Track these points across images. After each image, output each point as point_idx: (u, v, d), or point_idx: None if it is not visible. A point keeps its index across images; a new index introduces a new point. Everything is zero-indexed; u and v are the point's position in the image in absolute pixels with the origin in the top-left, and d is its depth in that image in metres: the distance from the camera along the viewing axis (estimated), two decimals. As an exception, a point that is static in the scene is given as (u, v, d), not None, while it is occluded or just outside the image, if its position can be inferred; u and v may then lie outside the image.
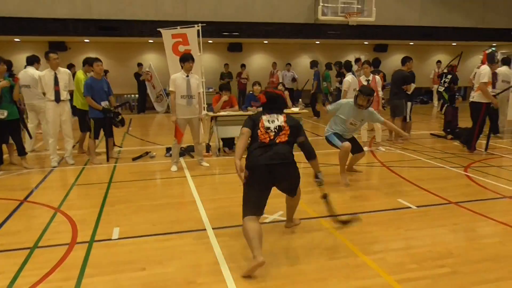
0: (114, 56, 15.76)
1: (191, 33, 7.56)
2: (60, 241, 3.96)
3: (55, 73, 6.77)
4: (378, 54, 17.32)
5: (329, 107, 6.05)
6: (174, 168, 6.70)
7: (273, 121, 3.83)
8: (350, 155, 6.07)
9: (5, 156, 7.12)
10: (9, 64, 8.71)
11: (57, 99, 6.77)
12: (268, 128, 3.77)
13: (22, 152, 6.85)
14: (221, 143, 8.14)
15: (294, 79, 16.02)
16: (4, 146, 7.00)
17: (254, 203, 3.60)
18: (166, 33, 7.64)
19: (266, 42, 17.00)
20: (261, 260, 3.20)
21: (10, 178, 6.35)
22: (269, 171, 3.58)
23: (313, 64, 13.70)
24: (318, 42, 17.42)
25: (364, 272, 3.36)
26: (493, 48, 7.79)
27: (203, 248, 3.81)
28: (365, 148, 8.11)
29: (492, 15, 17.30)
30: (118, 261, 3.57)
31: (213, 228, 4.27)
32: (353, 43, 17.98)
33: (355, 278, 3.26)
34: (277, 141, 3.71)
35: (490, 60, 7.53)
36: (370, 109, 5.83)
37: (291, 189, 3.97)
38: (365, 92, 5.64)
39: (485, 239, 4.02)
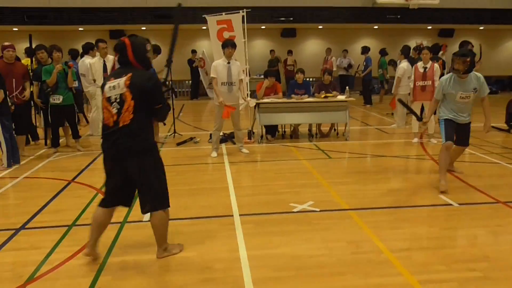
0: (169, 43, 16.16)
1: (236, 19, 7.55)
2: (96, 221, 4.18)
3: (104, 61, 7.11)
4: (443, 40, 16.30)
5: (435, 96, 5.23)
6: (214, 154, 6.81)
7: (114, 87, 3.09)
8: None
9: (62, 139, 7.62)
10: (75, 53, 9.30)
11: (106, 85, 7.10)
12: (109, 99, 3.10)
13: (76, 135, 7.29)
14: (263, 130, 8.13)
15: (350, 66, 15.54)
16: (60, 130, 7.48)
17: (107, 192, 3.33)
18: (211, 19, 7.70)
19: (321, 27, 16.61)
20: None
21: (63, 160, 6.80)
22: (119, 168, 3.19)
23: (364, 50, 13.23)
24: (376, 27, 16.73)
25: (385, 269, 3.22)
26: None
27: (227, 235, 3.85)
28: (415, 140, 7.75)
29: None
30: (144, 242, 3.71)
31: (240, 215, 4.29)
32: (415, 28, 17.02)
33: (374, 276, 3.14)
34: (121, 123, 3.04)
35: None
36: (477, 74, 4.97)
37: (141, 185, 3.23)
38: (459, 53, 4.82)
39: (530, 243, 3.69)
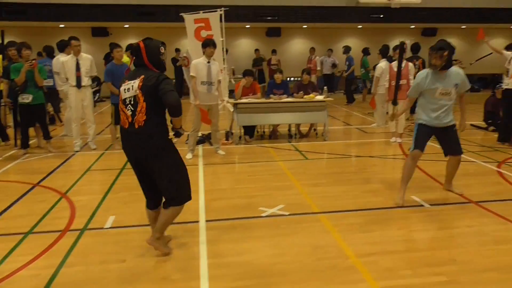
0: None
1: (214, 17, 7.42)
2: (55, 228, 4.02)
3: (77, 59, 6.91)
4: (426, 39, 16.35)
5: (408, 93, 4.77)
6: (189, 155, 6.66)
7: (128, 90, 3.19)
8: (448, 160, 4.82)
9: (34, 140, 7.41)
10: (50, 50, 9.06)
11: (78, 84, 6.93)
12: (125, 101, 3.21)
13: (47, 136, 7.09)
14: (242, 131, 8.01)
15: (334, 65, 15.49)
16: (32, 130, 7.27)
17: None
18: (189, 18, 7.56)
19: (305, 26, 16.52)
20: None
21: (31, 162, 6.60)
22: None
23: (346, 49, 13.20)
24: (360, 26, 16.70)
25: (349, 276, 3.12)
26: None
27: (190, 242, 3.71)
28: (393, 139, 7.69)
29: (556, -6, 15.73)
30: (102, 251, 3.56)
31: (206, 221, 4.16)
32: (398, 27, 17.05)
33: (337, 283, 3.03)
34: (136, 125, 3.14)
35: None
36: (457, 69, 4.53)
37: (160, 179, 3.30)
38: (436, 46, 4.32)
39: (499, 245, 3.61)
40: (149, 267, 3.29)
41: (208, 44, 6.46)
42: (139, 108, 3.13)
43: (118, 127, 7.14)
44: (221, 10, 7.32)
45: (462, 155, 4.74)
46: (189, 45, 7.76)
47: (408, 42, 13.56)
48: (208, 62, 6.48)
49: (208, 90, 6.50)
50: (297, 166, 6.19)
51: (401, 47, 7.16)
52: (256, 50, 15.97)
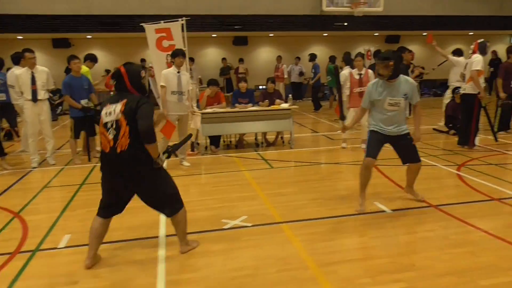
0: (118, 52, 15.71)
1: (175, 27, 7.33)
2: (4, 250, 3.81)
3: (32, 72, 6.66)
4: (390, 46, 16.78)
5: (362, 104, 4.68)
6: (186, 163, 6.69)
7: (110, 113, 3.24)
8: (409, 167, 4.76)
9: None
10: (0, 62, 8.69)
11: (34, 98, 6.67)
12: (106, 124, 3.25)
13: (1, 153, 6.79)
14: (208, 141, 7.92)
15: (301, 73, 15.63)
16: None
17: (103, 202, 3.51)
18: (150, 28, 7.44)
19: (271, 35, 16.64)
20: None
21: (-15, 180, 6.29)
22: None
23: (312, 57, 13.36)
24: (326, 34, 16.94)
25: (309, 287, 3.07)
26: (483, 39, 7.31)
27: (148, 259, 3.59)
28: (363, 145, 7.74)
29: (510, 2, 16.43)
30: (54, 273, 3.39)
31: (166, 236, 4.04)
32: (363, 35, 17.41)
33: (296, 295, 2.98)
34: (118, 149, 3.18)
35: (482, 50, 7.08)
36: (408, 78, 4.44)
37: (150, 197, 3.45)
38: (380, 57, 4.29)
39: (457, 248, 3.65)
40: (103, 287, 3.15)
41: (177, 54, 6.41)
42: (122, 132, 3.15)
43: (78, 141, 7.08)
44: (182, 20, 7.23)
45: (424, 159, 4.78)
46: (151, 56, 7.62)
47: (372, 50, 13.97)
48: (178, 72, 6.43)
49: (179, 99, 6.43)
50: (262, 176, 6.14)
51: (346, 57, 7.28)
52: (223, 59, 15.94)
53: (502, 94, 8.28)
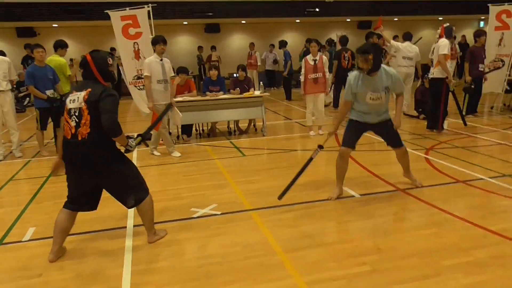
0: (86, 41, 15.29)
1: (142, 14, 7.16)
2: (-35, 245, 3.70)
3: (-7, 62, 6.42)
4: (362, 31, 16.83)
5: (344, 97, 4.57)
6: (176, 154, 6.62)
7: (74, 101, 3.21)
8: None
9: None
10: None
11: (-4, 89, 6.45)
12: (70, 111, 3.22)
13: (-37, 146, 6.55)
14: (179, 130, 7.83)
15: (275, 61, 15.59)
16: None
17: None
18: (115, 15, 7.25)
19: (244, 22, 16.50)
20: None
21: None
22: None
23: (281, 44, 13.29)
24: (298, 21, 16.91)
25: (275, 273, 3.09)
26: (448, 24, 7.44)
27: (114, 250, 3.54)
28: (321, 131, 7.81)
29: (478, -12, 16.74)
30: (17, 266, 3.32)
31: (134, 226, 4.00)
32: (335, 21, 17.47)
33: (263, 281, 2.99)
34: (79, 137, 3.16)
35: (448, 34, 7.21)
36: (388, 70, 4.36)
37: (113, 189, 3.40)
38: (359, 50, 4.20)
39: (421, 230, 3.74)
40: (67, 280, 3.10)
41: (157, 41, 6.28)
42: (84, 121, 3.14)
43: (45, 132, 6.88)
44: (148, 7, 7.07)
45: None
46: (117, 43, 7.44)
47: (338, 35, 13.99)
48: (161, 60, 6.28)
49: (165, 88, 6.31)
50: (233, 164, 6.13)
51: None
52: (200, 47, 15.79)
53: (468, 78, 8.47)
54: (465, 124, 8.03)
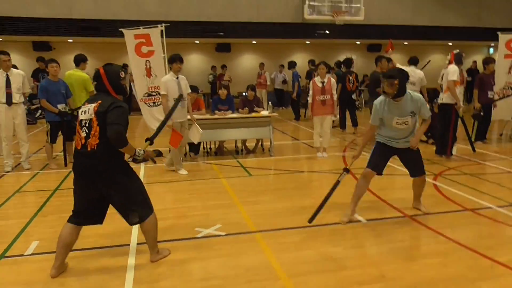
0: (100, 57, 15.49)
1: (155, 33, 7.28)
2: (-31, 257, 3.71)
3: (7, 75, 6.54)
4: (371, 54, 16.95)
5: (371, 121, 4.54)
6: (183, 171, 6.59)
7: (85, 112, 3.31)
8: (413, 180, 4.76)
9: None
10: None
11: (9, 101, 6.54)
12: (81, 122, 3.30)
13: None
14: (187, 147, 7.86)
15: (285, 81, 15.69)
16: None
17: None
18: (128, 33, 7.38)
19: (254, 42, 16.70)
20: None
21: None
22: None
23: (291, 65, 13.39)
24: (308, 42, 17.07)
25: (278, 298, 3.05)
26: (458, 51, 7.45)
27: (117, 267, 3.53)
28: (324, 154, 7.78)
29: (488, 14, 16.85)
30: (18, 280, 3.31)
31: (138, 244, 3.97)
32: (345, 43, 17.61)
33: (265, 306, 2.95)
34: (89, 148, 3.22)
35: (458, 60, 7.21)
36: (414, 95, 4.32)
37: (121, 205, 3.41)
38: (386, 74, 4.24)
39: (427, 259, 3.68)
40: (67, 299, 3.08)
41: (174, 60, 6.40)
42: (93, 132, 3.20)
43: (54, 145, 6.95)
44: (162, 26, 7.19)
45: (401, 168, 4.73)
46: (130, 61, 7.56)
47: (355, 58, 14.08)
48: (177, 78, 6.40)
49: (182, 105, 6.34)
50: (239, 183, 6.11)
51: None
52: (213, 67, 16.03)
53: (477, 104, 8.45)
54: (473, 150, 7.97)
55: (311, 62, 13.93)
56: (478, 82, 8.62)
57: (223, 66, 15.54)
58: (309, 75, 13.40)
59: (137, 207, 3.40)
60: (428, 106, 4.51)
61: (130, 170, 3.44)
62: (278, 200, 5.29)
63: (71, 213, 3.44)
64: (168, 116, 4.21)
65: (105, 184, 3.29)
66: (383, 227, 4.41)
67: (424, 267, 3.51)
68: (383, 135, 4.49)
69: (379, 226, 4.42)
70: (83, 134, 3.25)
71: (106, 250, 3.87)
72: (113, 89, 3.36)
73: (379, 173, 4.53)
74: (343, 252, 3.81)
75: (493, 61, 8.89)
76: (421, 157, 4.61)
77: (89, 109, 3.27)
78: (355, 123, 10.68)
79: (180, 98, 4.41)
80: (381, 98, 4.40)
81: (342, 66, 10.96)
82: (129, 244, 3.97)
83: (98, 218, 3.49)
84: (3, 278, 3.37)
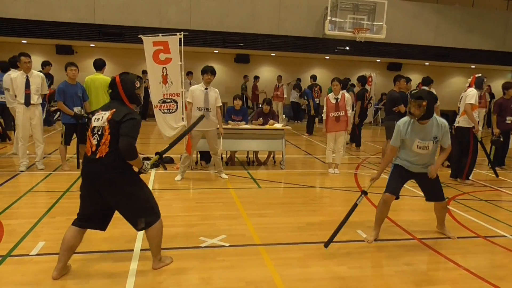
0: (120, 62, 15.81)
1: (173, 41, 7.34)
2: (-24, 254, 3.75)
3: (27, 76, 6.68)
4: (391, 73, 16.85)
5: (392, 142, 4.44)
6: (178, 177, 6.73)
7: (98, 119, 3.32)
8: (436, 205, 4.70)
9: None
10: (3, 65, 8.73)
11: (27, 102, 6.68)
12: (93, 129, 3.32)
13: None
14: (198, 156, 7.88)
15: (301, 95, 15.68)
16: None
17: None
18: (147, 40, 7.45)
19: (273, 54, 16.77)
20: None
21: (-30, 181, 6.24)
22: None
23: (297, 84, 13.54)
24: (327, 57, 17.06)
25: (277, 315, 2.99)
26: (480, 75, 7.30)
27: (119, 272, 3.51)
28: (336, 171, 7.70)
29: (514, 38, 16.60)
30: (21, 281, 3.32)
31: (141, 250, 3.97)
32: (365, 60, 17.56)
33: (263, 322, 2.89)
34: (97, 155, 3.23)
35: (478, 85, 7.08)
36: (440, 120, 4.23)
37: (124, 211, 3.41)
38: (414, 95, 4.13)
39: (434, 285, 3.57)
40: (66, 301, 3.07)
41: (206, 71, 6.55)
42: (104, 140, 3.21)
43: (68, 147, 7.04)
44: (180, 34, 7.26)
45: (415, 190, 4.63)
46: (147, 67, 7.64)
47: (374, 75, 13.97)
48: (206, 88, 6.50)
49: (206, 116, 6.39)
50: (248, 195, 6.08)
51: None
52: (246, 76, 16.21)
53: (496, 130, 8.27)
54: (496, 175, 7.76)
55: (313, 77, 14.07)
56: (496, 107, 8.45)
57: (256, 77, 15.88)
58: (310, 90, 13.54)
59: (144, 214, 3.40)
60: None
61: (137, 178, 3.43)
62: (285, 214, 5.23)
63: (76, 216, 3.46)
64: (183, 135, 4.19)
65: (111, 193, 3.29)
66: (390, 249, 4.31)
67: (430, 293, 3.41)
68: (401, 158, 4.41)
69: (386, 248, 4.33)
70: (94, 142, 3.26)
71: (109, 254, 3.87)
72: (128, 98, 3.38)
73: (397, 197, 4.43)
74: (347, 272, 3.73)
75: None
76: (440, 183, 4.52)
77: (102, 116, 3.29)
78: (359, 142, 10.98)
79: (201, 118, 4.45)
80: (405, 118, 4.29)
81: (357, 83, 10.92)
82: (133, 250, 3.96)
83: (101, 223, 3.50)
84: (7, 277, 3.38)
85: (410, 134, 4.22)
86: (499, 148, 8.63)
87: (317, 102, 13.44)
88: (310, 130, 13.20)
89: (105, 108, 3.37)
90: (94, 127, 3.30)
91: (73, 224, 3.45)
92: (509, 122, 8.47)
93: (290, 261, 3.86)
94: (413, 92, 4.23)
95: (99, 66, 7.52)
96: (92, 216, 3.42)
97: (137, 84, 3.42)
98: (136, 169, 3.40)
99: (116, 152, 3.21)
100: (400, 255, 4.15)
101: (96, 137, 3.26)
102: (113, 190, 3.29)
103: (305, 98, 13.35)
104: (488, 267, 3.99)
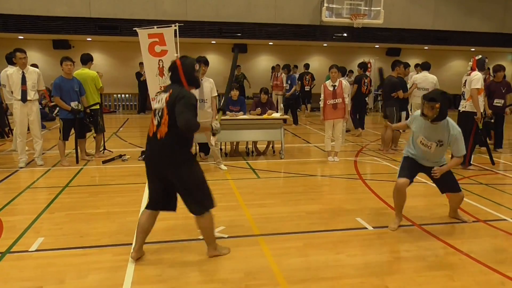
0: (117, 55, 15.76)
1: (168, 33, 7.27)
2: (-26, 251, 3.76)
3: (23, 72, 6.65)
4: (390, 58, 16.67)
5: (408, 121, 4.55)
6: (223, 167, 6.92)
7: (159, 101, 3.45)
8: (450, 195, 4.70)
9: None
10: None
11: (24, 98, 6.65)
12: (155, 111, 3.46)
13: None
14: (197, 147, 7.86)
15: (287, 79, 15.56)
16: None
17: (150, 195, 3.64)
18: (142, 33, 7.39)
19: (271, 43, 16.65)
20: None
21: (-32, 178, 6.25)
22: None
23: (287, 68, 13.28)
24: (325, 45, 16.93)
25: (276, 305, 2.99)
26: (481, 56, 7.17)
27: (118, 265, 3.52)
28: (336, 159, 7.67)
29: (512, 20, 16.42)
30: (19, 277, 3.33)
31: (151, 242, 3.96)
32: (363, 46, 17.42)
33: (262, 312, 2.90)
34: (158, 136, 3.35)
35: (481, 66, 6.94)
36: (454, 126, 4.15)
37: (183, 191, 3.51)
38: (427, 96, 4.03)
39: (434, 271, 3.56)
40: (65, 296, 3.08)
41: (199, 62, 6.39)
42: (163, 121, 3.33)
43: (67, 142, 7.03)
44: (175, 26, 7.19)
45: (416, 177, 4.58)
46: (144, 60, 7.58)
47: (373, 61, 13.85)
48: (201, 80, 6.43)
49: (200, 107, 6.36)
50: (247, 185, 6.07)
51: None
52: (238, 66, 16.03)
53: (489, 111, 8.18)
54: (493, 163, 7.71)
55: (305, 66, 14.00)
56: (485, 90, 8.36)
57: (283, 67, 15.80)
58: (301, 78, 13.45)
59: (201, 198, 3.51)
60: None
61: (194, 162, 3.56)
62: (284, 204, 5.23)
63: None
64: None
65: (170, 172, 3.39)
66: (389, 235, 4.30)
67: (430, 279, 3.40)
68: (410, 150, 4.44)
69: (386, 234, 4.32)
70: (155, 122, 3.39)
71: (107, 248, 3.88)
72: (187, 80, 3.46)
73: (411, 180, 4.39)
74: (346, 260, 3.73)
75: (503, 68, 8.57)
76: (453, 174, 4.48)
77: (162, 98, 3.41)
78: (362, 126, 11.02)
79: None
80: (419, 112, 4.22)
81: (359, 69, 10.86)
82: (131, 244, 3.96)
83: (168, 204, 3.62)
84: (7, 274, 3.39)
85: (418, 128, 4.24)
86: (494, 129, 8.65)
87: (307, 89, 13.59)
88: (295, 121, 12.97)
89: (165, 90, 3.49)
90: (156, 109, 3.44)
91: (145, 207, 3.62)
92: (499, 104, 8.37)
93: (289, 251, 3.86)
94: (426, 94, 4.17)
95: (85, 60, 7.55)
96: (159, 198, 3.57)
97: (197, 67, 3.51)
98: (209, 134, 3.48)
99: (174, 132, 3.30)
100: (399, 241, 4.15)
101: (157, 118, 3.39)
102: (178, 171, 3.39)
103: (288, 82, 13.11)
104: (488, 251, 3.98)
